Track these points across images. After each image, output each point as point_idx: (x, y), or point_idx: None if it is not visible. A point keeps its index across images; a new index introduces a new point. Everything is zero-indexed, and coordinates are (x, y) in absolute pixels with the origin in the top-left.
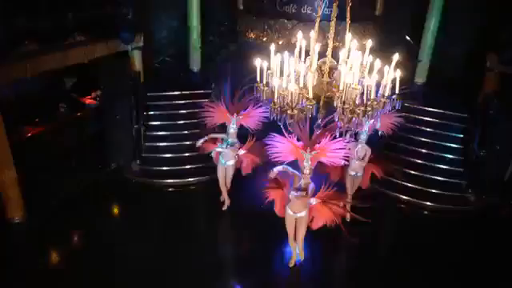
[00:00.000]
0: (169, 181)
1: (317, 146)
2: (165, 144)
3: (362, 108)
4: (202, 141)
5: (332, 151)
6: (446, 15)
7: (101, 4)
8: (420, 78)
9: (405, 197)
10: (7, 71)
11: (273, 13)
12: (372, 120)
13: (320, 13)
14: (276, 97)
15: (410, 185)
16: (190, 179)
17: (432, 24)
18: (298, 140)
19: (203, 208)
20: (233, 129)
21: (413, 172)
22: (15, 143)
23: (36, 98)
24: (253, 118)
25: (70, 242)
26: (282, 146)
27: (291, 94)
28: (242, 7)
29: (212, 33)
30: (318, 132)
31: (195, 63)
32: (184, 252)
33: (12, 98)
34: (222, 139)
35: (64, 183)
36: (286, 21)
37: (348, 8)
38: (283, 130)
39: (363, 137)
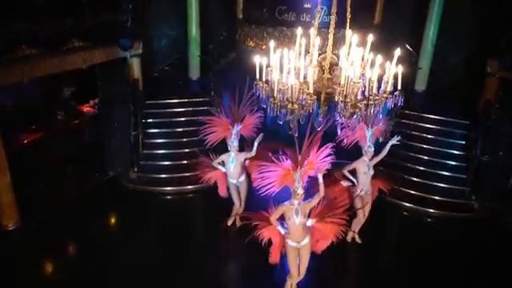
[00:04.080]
0: (167, 188)
1: (305, 162)
2: (163, 151)
3: (364, 102)
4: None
5: (319, 162)
6: (444, 23)
7: (99, 11)
8: (420, 86)
9: (408, 204)
10: (3, 74)
11: (272, 21)
12: (374, 129)
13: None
14: (276, 92)
15: (412, 192)
16: (188, 187)
17: (431, 32)
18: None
19: (201, 216)
20: (235, 141)
21: (415, 179)
22: (11, 149)
23: (34, 106)
24: (249, 125)
25: (63, 250)
26: (272, 175)
27: (291, 87)
28: (241, 16)
29: (211, 42)
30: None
31: (194, 72)
32: (182, 262)
33: (9, 104)
34: (223, 161)
35: (60, 191)
36: (285, 29)
37: (348, 19)
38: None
39: (371, 150)
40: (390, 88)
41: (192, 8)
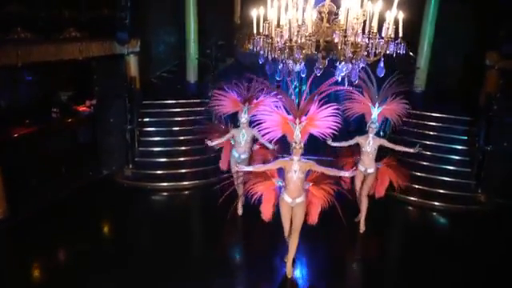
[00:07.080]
0: (162, 184)
1: (304, 117)
2: (159, 149)
3: (366, 39)
4: (215, 142)
5: (321, 120)
6: (441, 21)
7: (98, 6)
8: (419, 86)
9: (413, 198)
10: None
11: None
12: (382, 107)
13: None
14: (273, 33)
15: (417, 186)
16: (184, 183)
17: (428, 31)
18: (288, 112)
19: (198, 213)
20: (245, 118)
21: (419, 174)
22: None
23: (29, 105)
24: (264, 107)
25: (50, 242)
26: (270, 120)
27: (289, 23)
28: (239, 21)
29: (209, 47)
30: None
31: (192, 75)
32: (179, 255)
33: (3, 105)
34: (233, 136)
35: (52, 186)
36: None
37: None
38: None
39: (374, 126)
40: (390, 33)
41: (190, 15)
